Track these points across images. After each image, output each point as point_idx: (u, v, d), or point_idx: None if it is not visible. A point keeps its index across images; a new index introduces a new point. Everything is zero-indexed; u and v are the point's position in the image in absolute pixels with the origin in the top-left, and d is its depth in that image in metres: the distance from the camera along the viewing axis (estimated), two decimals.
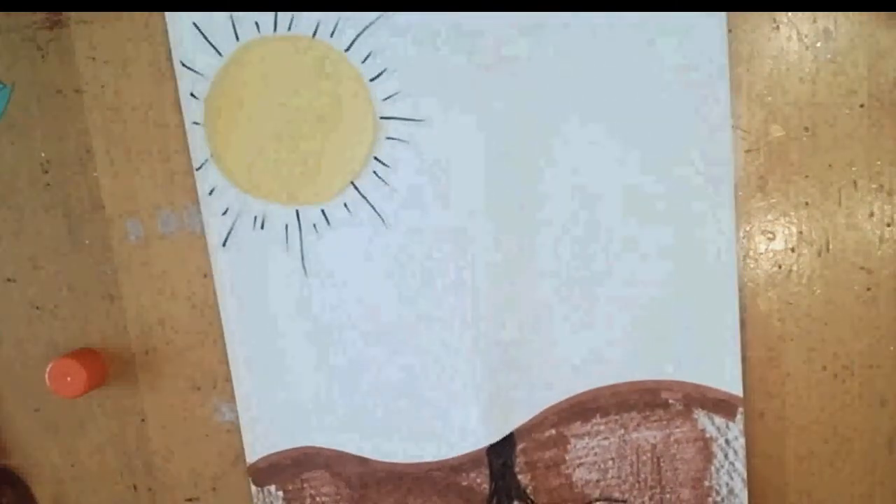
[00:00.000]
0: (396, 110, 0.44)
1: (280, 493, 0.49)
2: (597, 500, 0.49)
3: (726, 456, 0.48)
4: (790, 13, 0.43)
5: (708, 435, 0.47)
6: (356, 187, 0.45)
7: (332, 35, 0.44)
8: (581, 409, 0.47)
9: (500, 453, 0.48)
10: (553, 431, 0.48)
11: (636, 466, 0.48)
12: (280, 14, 0.43)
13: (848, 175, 0.45)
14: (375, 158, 0.45)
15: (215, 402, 0.48)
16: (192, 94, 0.44)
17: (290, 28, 0.44)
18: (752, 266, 0.46)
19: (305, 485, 0.49)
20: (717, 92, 0.44)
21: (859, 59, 0.44)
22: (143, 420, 0.48)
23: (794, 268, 0.46)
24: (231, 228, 0.46)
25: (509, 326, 0.46)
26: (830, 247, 0.46)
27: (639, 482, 0.48)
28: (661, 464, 0.48)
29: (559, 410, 0.48)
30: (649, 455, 0.48)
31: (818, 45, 0.44)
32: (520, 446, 0.48)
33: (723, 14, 0.43)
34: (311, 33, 0.44)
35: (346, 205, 0.46)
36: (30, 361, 0.47)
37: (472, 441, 0.48)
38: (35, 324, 0.47)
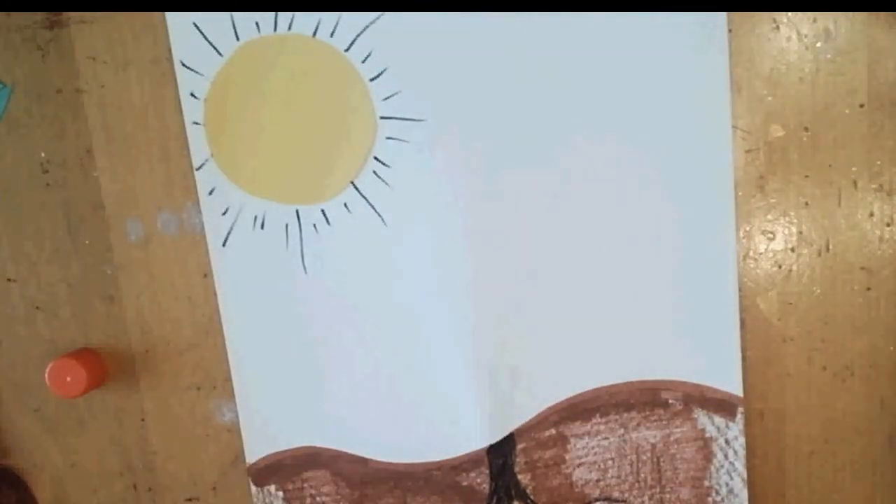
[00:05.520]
0: (396, 110, 0.44)
1: (280, 493, 0.49)
2: (597, 499, 0.49)
3: (726, 456, 0.48)
4: (790, 13, 0.43)
5: (708, 435, 0.47)
6: (356, 187, 0.45)
7: (332, 35, 0.44)
8: (581, 409, 0.47)
9: (500, 453, 0.48)
10: (553, 431, 0.48)
11: (636, 466, 0.48)
12: (280, 14, 0.43)
13: (848, 175, 0.45)
14: (375, 158, 0.45)
15: (215, 402, 0.48)
16: (192, 94, 0.44)
17: (290, 28, 0.44)
18: (752, 266, 0.46)
19: (305, 485, 0.49)
20: (717, 92, 0.44)
21: (859, 59, 0.44)
22: (143, 420, 0.48)
23: (794, 268, 0.46)
24: (231, 228, 0.46)
25: (509, 326, 0.46)
26: (830, 247, 0.46)
27: (639, 482, 0.48)
28: (661, 463, 0.48)
29: (559, 410, 0.48)
30: (649, 455, 0.48)
31: (818, 45, 0.44)
32: (520, 446, 0.48)
33: (723, 14, 0.43)
34: (311, 33, 0.44)
35: (346, 205, 0.46)
36: (30, 361, 0.47)
37: (472, 441, 0.48)
38: (35, 324, 0.47)
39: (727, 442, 0.47)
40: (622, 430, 0.48)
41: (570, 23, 0.43)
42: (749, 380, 0.47)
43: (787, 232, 0.46)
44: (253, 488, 0.49)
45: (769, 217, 0.46)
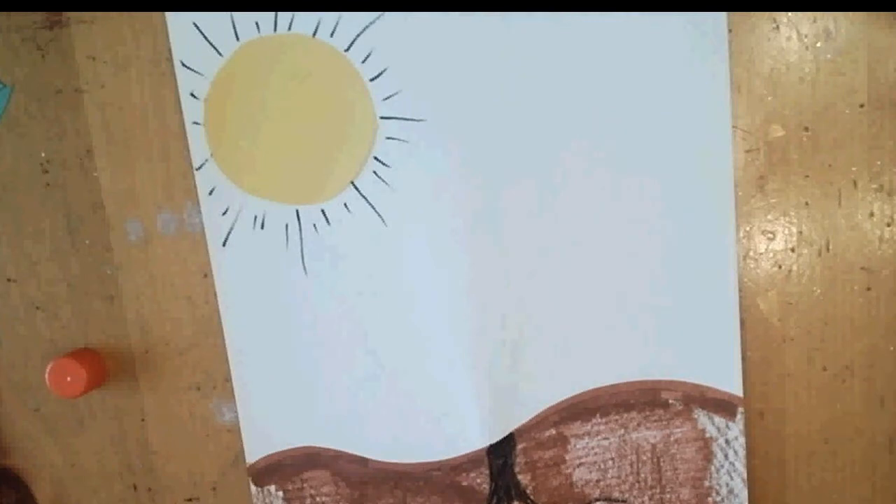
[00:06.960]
0: (396, 110, 0.44)
1: (280, 493, 0.49)
2: (597, 499, 0.49)
3: (726, 456, 0.48)
4: (790, 13, 0.43)
5: (708, 435, 0.47)
6: (356, 187, 0.45)
7: (332, 35, 0.44)
8: (581, 409, 0.47)
9: (500, 453, 0.48)
10: (553, 431, 0.48)
11: (636, 466, 0.48)
12: (280, 14, 0.43)
13: (848, 175, 0.45)
14: (375, 158, 0.45)
15: (215, 402, 0.48)
16: (192, 94, 0.44)
17: (290, 28, 0.44)
18: (752, 266, 0.46)
19: (305, 485, 0.49)
20: (717, 92, 0.44)
21: (859, 59, 0.44)
22: (143, 420, 0.48)
23: (794, 268, 0.46)
24: (231, 228, 0.46)
25: (509, 326, 0.46)
26: (830, 247, 0.46)
27: (639, 482, 0.48)
28: (661, 464, 0.48)
29: (559, 410, 0.48)
30: (649, 455, 0.48)
31: (818, 45, 0.44)
32: (520, 446, 0.48)
33: (723, 14, 0.43)
34: (311, 33, 0.44)
35: (346, 205, 0.46)
36: (30, 361, 0.47)
37: (472, 441, 0.48)
38: (35, 324, 0.47)
39: (727, 442, 0.47)
40: (622, 431, 0.48)
41: (569, 23, 0.43)
42: (749, 380, 0.47)
43: (787, 232, 0.46)
44: (253, 488, 0.49)
45: (769, 217, 0.46)
